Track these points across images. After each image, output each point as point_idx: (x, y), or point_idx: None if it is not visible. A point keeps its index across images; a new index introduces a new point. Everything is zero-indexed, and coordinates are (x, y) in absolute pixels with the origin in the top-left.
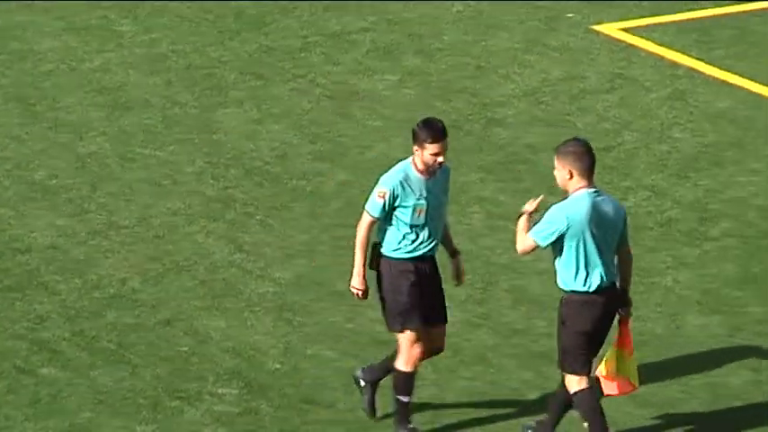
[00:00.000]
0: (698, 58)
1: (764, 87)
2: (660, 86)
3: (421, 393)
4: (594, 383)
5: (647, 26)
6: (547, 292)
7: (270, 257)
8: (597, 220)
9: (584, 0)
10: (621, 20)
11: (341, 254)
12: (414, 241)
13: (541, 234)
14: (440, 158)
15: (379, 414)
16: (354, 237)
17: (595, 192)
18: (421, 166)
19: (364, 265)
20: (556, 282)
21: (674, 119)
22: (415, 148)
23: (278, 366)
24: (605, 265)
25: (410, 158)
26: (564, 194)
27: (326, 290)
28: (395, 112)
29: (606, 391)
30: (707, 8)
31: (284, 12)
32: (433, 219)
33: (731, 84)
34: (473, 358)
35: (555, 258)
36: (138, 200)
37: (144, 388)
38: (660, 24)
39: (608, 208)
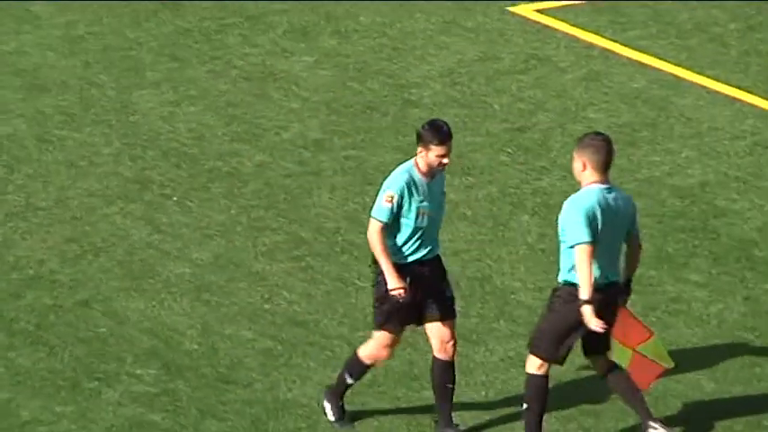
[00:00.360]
0: (612, 39)
1: (678, 68)
2: (575, 67)
3: (336, 373)
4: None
5: (562, 7)
6: (461, 272)
7: (187, 238)
8: (604, 217)
9: None
10: (536, 1)
11: (258, 234)
12: (416, 244)
13: (582, 233)
14: (445, 160)
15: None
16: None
17: (608, 188)
18: (424, 168)
19: (394, 266)
20: None
21: (589, 99)
22: (420, 149)
23: (195, 347)
24: (607, 261)
25: (412, 161)
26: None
27: (244, 270)
28: (311, 94)
29: (641, 382)
30: None
31: None
32: (435, 221)
33: (645, 64)
34: None
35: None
36: (56, 181)
37: (62, 369)
38: (574, 6)
39: (618, 204)
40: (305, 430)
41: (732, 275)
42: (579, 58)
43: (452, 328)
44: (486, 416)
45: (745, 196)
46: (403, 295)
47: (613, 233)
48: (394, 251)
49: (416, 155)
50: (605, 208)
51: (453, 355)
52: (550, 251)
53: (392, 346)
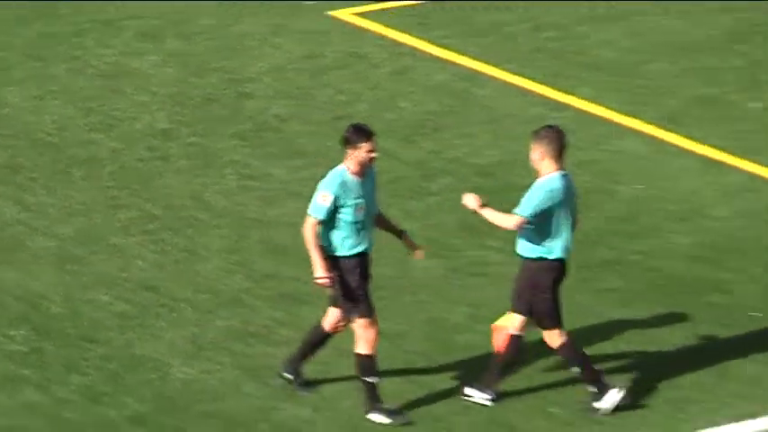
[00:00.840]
0: (419, 38)
1: (476, 62)
2: (387, 63)
3: (183, 332)
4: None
5: (376, 11)
6: (292, 242)
7: (52, 216)
8: (565, 198)
9: None
10: (354, 6)
11: (114, 212)
12: (357, 238)
13: (528, 209)
14: (374, 154)
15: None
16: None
17: (564, 174)
18: (356, 168)
19: (322, 258)
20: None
21: (399, 91)
22: (349, 151)
23: (60, 310)
24: (568, 237)
25: (342, 165)
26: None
27: (102, 243)
28: (159, 89)
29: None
30: None
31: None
32: (369, 216)
33: (448, 60)
34: (229, 300)
35: (525, 229)
36: None
37: None
38: (387, 9)
39: (573, 186)
40: (156, 381)
41: None
42: (391, 55)
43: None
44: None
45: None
46: (328, 284)
47: (571, 212)
48: (338, 247)
49: (345, 159)
50: (566, 191)
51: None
52: None
53: (375, 323)
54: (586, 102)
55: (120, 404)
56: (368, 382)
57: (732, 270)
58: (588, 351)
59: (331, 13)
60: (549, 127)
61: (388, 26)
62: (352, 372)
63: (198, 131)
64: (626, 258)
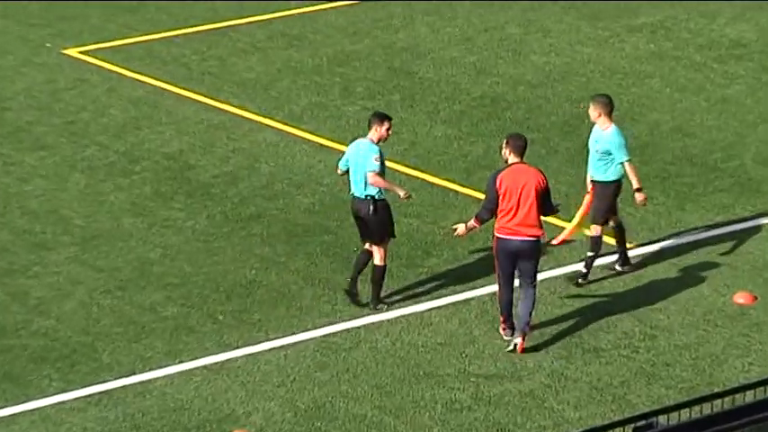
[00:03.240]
0: (123, 67)
1: (161, 82)
2: (101, 84)
3: None
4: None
5: (95, 50)
6: (39, 207)
7: None
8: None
9: None
10: (80, 46)
11: None
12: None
13: (625, 151)
14: (390, 131)
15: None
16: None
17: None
18: (377, 139)
19: (382, 199)
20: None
21: (111, 103)
22: (375, 127)
23: None
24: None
25: (367, 139)
26: None
27: None
28: None
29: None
30: None
31: None
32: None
33: (143, 81)
34: None
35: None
36: None
37: None
38: (102, 49)
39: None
40: None
41: (210, 202)
42: (104, 79)
43: None
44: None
45: (207, 158)
46: (412, 197)
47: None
48: (381, 194)
49: (372, 133)
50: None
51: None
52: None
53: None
54: (238, 107)
55: None
56: (379, 285)
57: (337, 219)
58: (233, 278)
59: (64, 51)
60: (601, 95)
61: (102, 60)
62: None
63: None
64: (267, 213)
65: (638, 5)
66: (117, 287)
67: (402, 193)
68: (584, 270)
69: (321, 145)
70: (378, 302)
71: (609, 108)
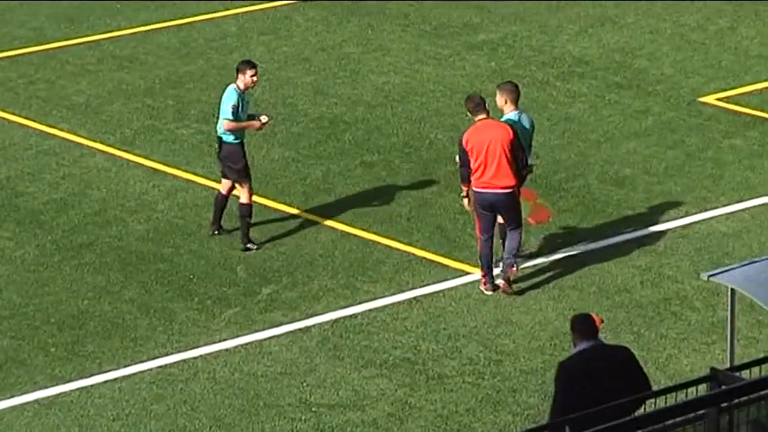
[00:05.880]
0: None
1: None
2: None
3: None
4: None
5: None
6: None
7: None
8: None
9: None
10: None
11: None
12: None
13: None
14: (255, 78)
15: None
16: None
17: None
18: (242, 87)
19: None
20: None
21: None
22: (239, 75)
23: None
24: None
25: (233, 85)
26: None
27: None
28: None
29: (538, 220)
30: None
31: None
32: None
33: None
34: None
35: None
36: None
37: None
38: None
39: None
40: None
41: (40, 230)
42: None
43: None
44: None
45: (37, 184)
46: (268, 117)
47: None
48: (235, 137)
49: (239, 80)
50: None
51: None
52: None
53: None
54: (68, 132)
55: None
56: (247, 222)
57: (172, 246)
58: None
59: None
60: (507, 81)
61: None
62: None
63: None
64: (100, 241)
65: (478, 22)
66: None
67: (258, 124)
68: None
69: (155, 170)
70: (247, 240)
71: (515, 95)
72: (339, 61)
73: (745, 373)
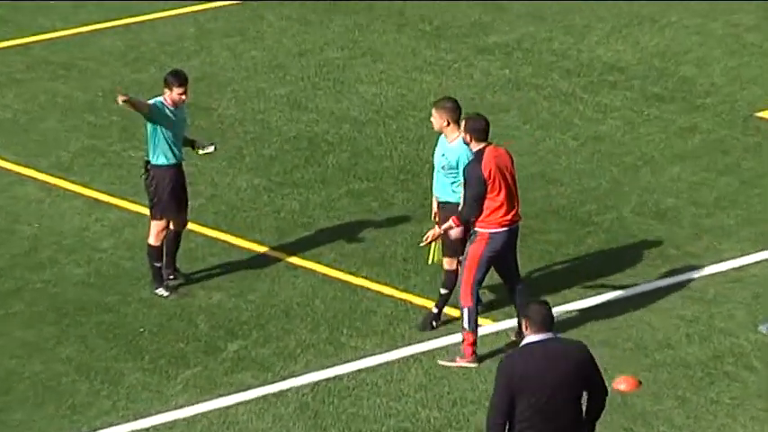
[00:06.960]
0: None
1: None
2: None
3: None
4: None
5: None
6: None
7: None
8: None
9: None
10: None
11: None
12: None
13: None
14: (184, 97)
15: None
16: None
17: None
18: (170, 102)
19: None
20: None
21: None
22: (165, 90)
23: None
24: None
25: (161, 98)
26: None
27: None
28: None
29: None
30: None
31: None
32: (179, 136)
33: None
34: None
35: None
36: None
37: None
38: None
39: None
40: None
41: None
42: None
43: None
44: None
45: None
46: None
47: None
48: (163, 158)
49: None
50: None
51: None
52: None
53: (166, 230)
54: None
55: None
56: (155, 266)
57: (118, 293)
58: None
59: None
60: (446, 98)
61: None
62: None
63: None
64: (30, 287)
65: (489, 21)
66: None
67: (120, 99)
68: (436, 310)
69: (97, 200)
70: (156, 285)
71: (456, 114)
72: (320, 68)
73: None
